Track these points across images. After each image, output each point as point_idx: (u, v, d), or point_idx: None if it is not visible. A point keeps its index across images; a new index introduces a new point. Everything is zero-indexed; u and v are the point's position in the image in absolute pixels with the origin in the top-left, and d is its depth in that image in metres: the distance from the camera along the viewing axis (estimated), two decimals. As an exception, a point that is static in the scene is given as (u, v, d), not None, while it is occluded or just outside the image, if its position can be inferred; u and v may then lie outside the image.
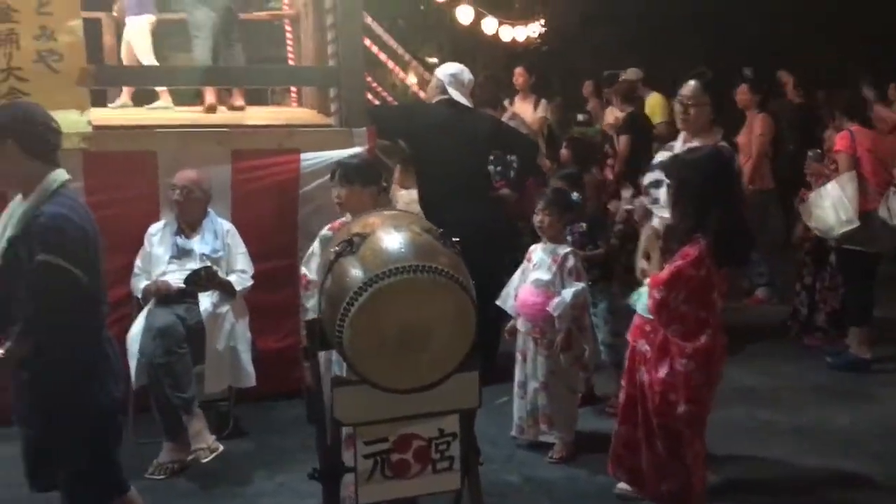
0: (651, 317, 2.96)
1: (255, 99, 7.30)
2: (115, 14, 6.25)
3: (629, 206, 3.34)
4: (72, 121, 4.05)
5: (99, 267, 2.63)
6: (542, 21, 13.78)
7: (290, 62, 7.37)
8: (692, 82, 3.49)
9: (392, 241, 2.54)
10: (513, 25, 12.30)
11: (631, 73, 7.67)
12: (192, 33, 6.15)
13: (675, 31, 12.33)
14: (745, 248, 2.99)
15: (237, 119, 5.07)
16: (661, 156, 3.70)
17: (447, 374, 2.53)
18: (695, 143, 3.42)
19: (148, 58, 5.82)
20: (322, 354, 2.83)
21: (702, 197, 2.86)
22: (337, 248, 2.59)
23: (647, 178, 3.61)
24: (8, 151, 2.48)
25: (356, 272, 2.47)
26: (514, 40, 12.40)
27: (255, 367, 4.07)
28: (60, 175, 2.58)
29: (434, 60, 16.72)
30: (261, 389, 4.14)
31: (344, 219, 3.33)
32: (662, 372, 2.89)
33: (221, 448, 3.75)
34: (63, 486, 2.67)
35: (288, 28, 7.56)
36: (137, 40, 5.82)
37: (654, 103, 7.43)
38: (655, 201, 3.44)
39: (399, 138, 4.97)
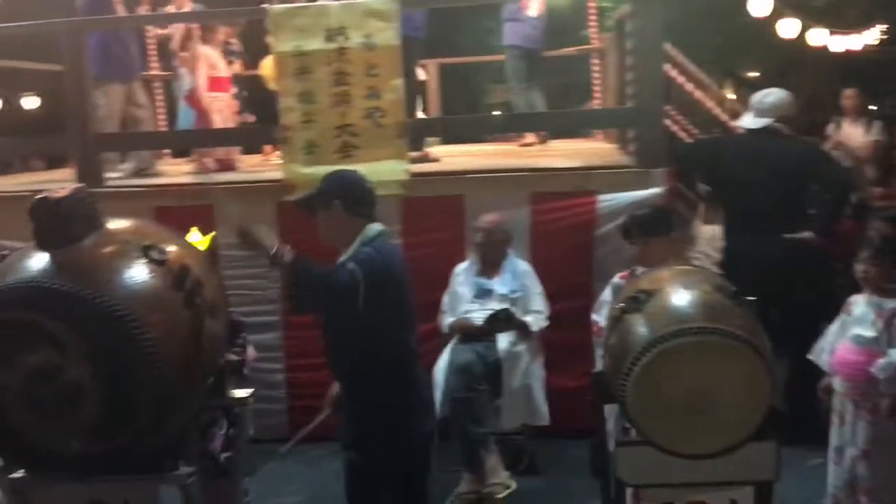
0: None
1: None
2: None
3: None
4: (392, 170, 4.50)
5: (405, 311, 2.88)
6: (884, 27, 12.36)
7: (595, 89, 7.51)
8: None
9: (680, 299, 2.48)
10: (845, 34, 11.21)
11: None
12: (508, 82, 6.54)
13: None
14: None
15: (536, 161, 5.24)
16: None
17: (738, 443, 2.40)
18: None
19: None
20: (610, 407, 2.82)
21: None
22: (623, 303, 2.58)
23: None
24: (334, 211, 2.82)
25: (641, 330, 2.45)
26: (847, 51, 11.29)
27: (549, 405, 4.16)
28: (377, 227, 2.89)
29: (755, 74, 15.81)
30: (556, 427, 4.22)
31: (636, 269, 3.30)
32: None
33: (514, 486, 3.88)
34: None
35: (595, 60, 7.68)
36: None
37: None
38: None
39: (700, 179, 4.75)
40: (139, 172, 5.67)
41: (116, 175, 5.52)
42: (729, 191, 4.54)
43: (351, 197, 2.84)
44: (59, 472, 2.39)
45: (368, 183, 2.93)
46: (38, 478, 2.44)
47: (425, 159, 5.43)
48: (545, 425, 4.17)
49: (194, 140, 6.10)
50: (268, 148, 6.33)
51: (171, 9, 6.15)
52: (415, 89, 6.03)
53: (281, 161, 4.86)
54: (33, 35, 5.30)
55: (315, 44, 4.50)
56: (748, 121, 4.51)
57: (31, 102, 13.93)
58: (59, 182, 5.09)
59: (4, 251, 2.54)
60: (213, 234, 3.24)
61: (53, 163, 9.35)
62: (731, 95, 9.06)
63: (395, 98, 4.55)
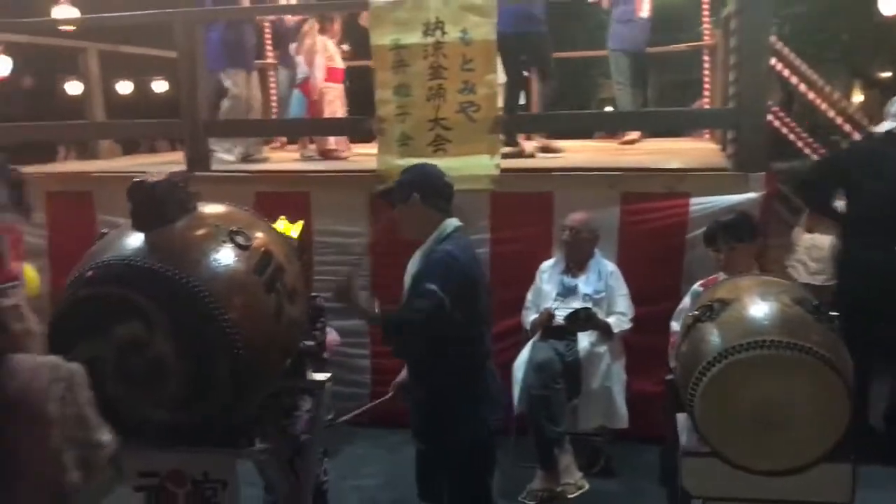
0: None
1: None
2: None
3: None
4: (483, 164, 4.53)
5: (480, 308, 2.90)
6: None
7: (706, 87, 7.32)
8: None
9: (757, 311, 2.42)
10: None
11: None
12: (614, 78, 6.47)
13: None
14: None
15: (629, 160, 5.15)
16: None
17: (811, 462, 2.32)
18: None
19: None
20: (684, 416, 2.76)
21: None
22: (696, 312, 2.54)
23: None
24: (413, 203, 2.88)
25: (713, 340, 2.40)
26: None
27: (629, 409, 4.10)
28: (453, 222, 2.92)
29: (887, 75, 14.91)
30: (635, 431, 4.16)
31: (717, 276, 3.21)
32: None
33: (588, 487, 3.85)
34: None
35: (706, 57, 7.49)
36: None
37: None
38: None
39: (829, 204, 4.49)
40: (246, 158, 5.93)
41: (230, 158, 5.79)
42: (855, 197, 4.33)
43: (430, 190, 2.88)
44: (144, 439, 2.55)
45: (447, 177, 2.96)
46: (126, 444, 2.62)
47: (520, 154, 5.42)
48: (624, 428, 4.12)
49: (295, 129, 6.32)
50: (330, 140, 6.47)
51: (282, -1, 6.41)
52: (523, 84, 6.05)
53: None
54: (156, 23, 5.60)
55: (413, 37, 4.56)
56: (881, 125, 4.30)
57: (159, 86, 14.74)
58: (174, 164, 5.41)
59: (104, 229, 2.72)
60: (301, 221, 3.37)
61: (176, 145, 9.88)
62: (858, 97, 8.55)
63: (489, 93, 4.55)
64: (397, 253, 3.51)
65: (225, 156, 5.77)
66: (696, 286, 3.30)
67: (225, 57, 5.83)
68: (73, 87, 11.12)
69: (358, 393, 4.88)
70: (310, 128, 6.05)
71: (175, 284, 2.38)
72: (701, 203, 4.29)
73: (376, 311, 2.86)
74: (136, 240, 2.49)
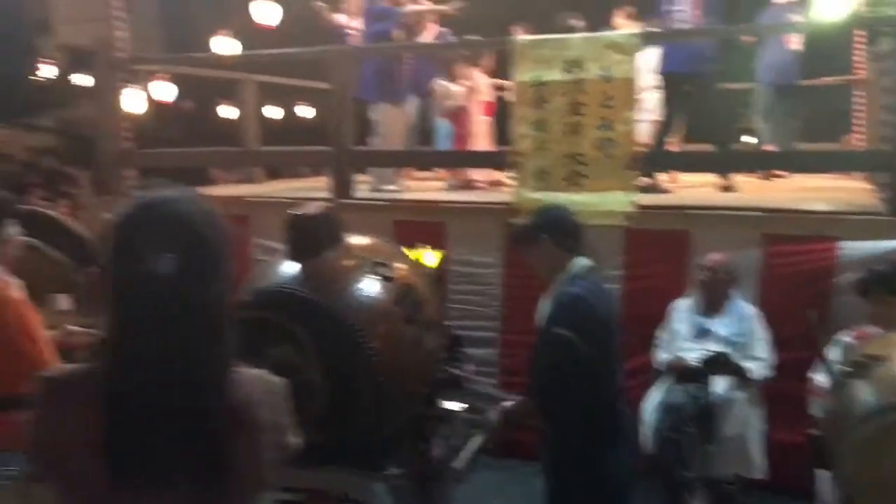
0: None
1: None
2: None
3: None
4: (619, 201, 4.51)
5: (611, 347, 2.89)
6: None
7: (855, 122, 7.00)
8: None
9: (914, 369, 2.30)
10: None
11: None
12: (760, 111, 6.31)
13: None
14: None
15: (772, 199, 4.98)
16: None
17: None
18: None
19: None
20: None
21: None
22: (847, 367, 2.45)
23: None
24: (543, 245, 2.91)
25: (865, 398, 2.31)
26: None
27: (769, 459, 3.94)
28: (581, 262, 2.92)
29: None
30: (775, 482, 3.97)
31: (869, 328, 3.06)
32: None
33: (717, 537, 3.72)
34: None
35: (857, 91, 7.18)
36: None
37: None
38: None
39: None
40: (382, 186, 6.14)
41: (393, 187, 6.00)
42: None
43: (558, 230, 2.90)
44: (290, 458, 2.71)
45: (576, 217, 2.98)
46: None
47: (655, 189, 5.35)
48: (762, 479, 3.95)
49: (438, 160, 6.50)
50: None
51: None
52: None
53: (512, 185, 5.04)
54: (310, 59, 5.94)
55: (554, 74, 4.63)
56: None
57: (306, 112, 15.50)
58: (316, 189, 5.68)
59: (260, 256, 2.92)
60: (442, 251, 3.49)
61: (316, 170, 10.36)
62: None
63: (628, 130, 4.55)
64: (530, 286, 3.57)
65: (389, 186, 6.00)
66: (844, 336, 3.16)
67: (377, 89, 6.07)
68: (226, 111, 11.83)
69: (485, 421, 4.93)
70: (452, 159, 6.20)
71: (325, 312, 2.53)
72: (851, 248, 4.09)
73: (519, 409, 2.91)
74: (290, 268, 2.67)
